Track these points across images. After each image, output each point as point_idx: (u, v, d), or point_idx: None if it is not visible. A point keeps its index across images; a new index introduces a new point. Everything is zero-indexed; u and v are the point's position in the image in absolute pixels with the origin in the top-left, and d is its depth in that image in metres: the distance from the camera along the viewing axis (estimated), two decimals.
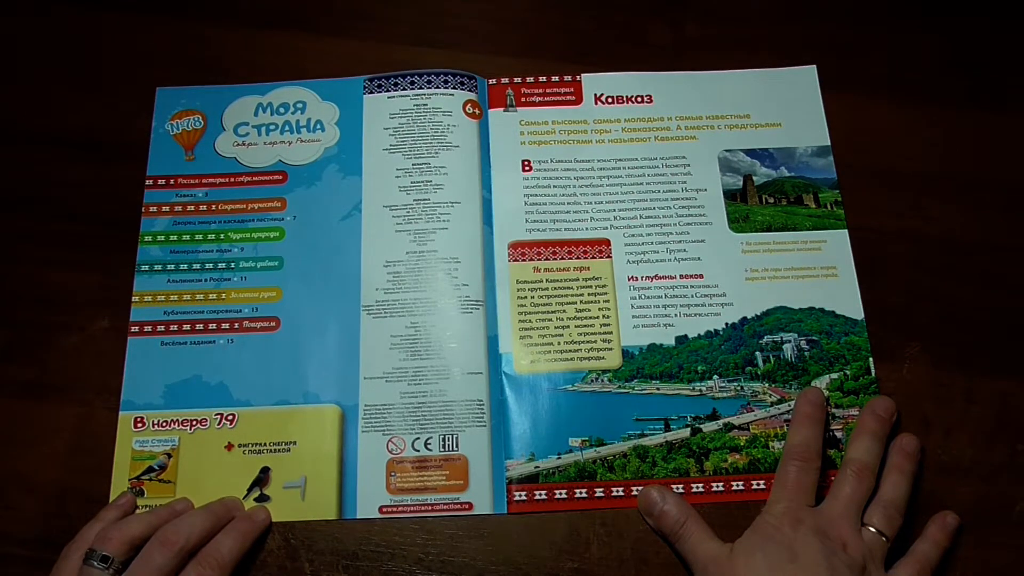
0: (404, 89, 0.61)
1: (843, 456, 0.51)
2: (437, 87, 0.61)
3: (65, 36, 0.63)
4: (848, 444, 0.51)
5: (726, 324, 0.56)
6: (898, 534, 0.47)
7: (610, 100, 0.62)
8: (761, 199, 0.59)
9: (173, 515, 0.49)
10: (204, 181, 0.59)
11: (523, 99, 0.62)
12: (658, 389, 0.54)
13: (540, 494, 0.52)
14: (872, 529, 0.47)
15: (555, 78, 0.62)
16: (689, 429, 0.53)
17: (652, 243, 0.58)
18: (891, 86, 0.62)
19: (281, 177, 0.59)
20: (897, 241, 0.58)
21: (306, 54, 0.63)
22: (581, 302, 0.56)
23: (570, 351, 0.55)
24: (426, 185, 0.59)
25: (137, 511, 0.50)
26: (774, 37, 0.64)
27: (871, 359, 0.55)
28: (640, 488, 0.51)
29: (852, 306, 0.56)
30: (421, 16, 0.65)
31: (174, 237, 0.58)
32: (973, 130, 0.61)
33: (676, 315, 0.56)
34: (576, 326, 0.56)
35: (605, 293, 0.56)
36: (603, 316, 0.56)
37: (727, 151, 0.60)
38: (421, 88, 0.61)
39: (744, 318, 0.56)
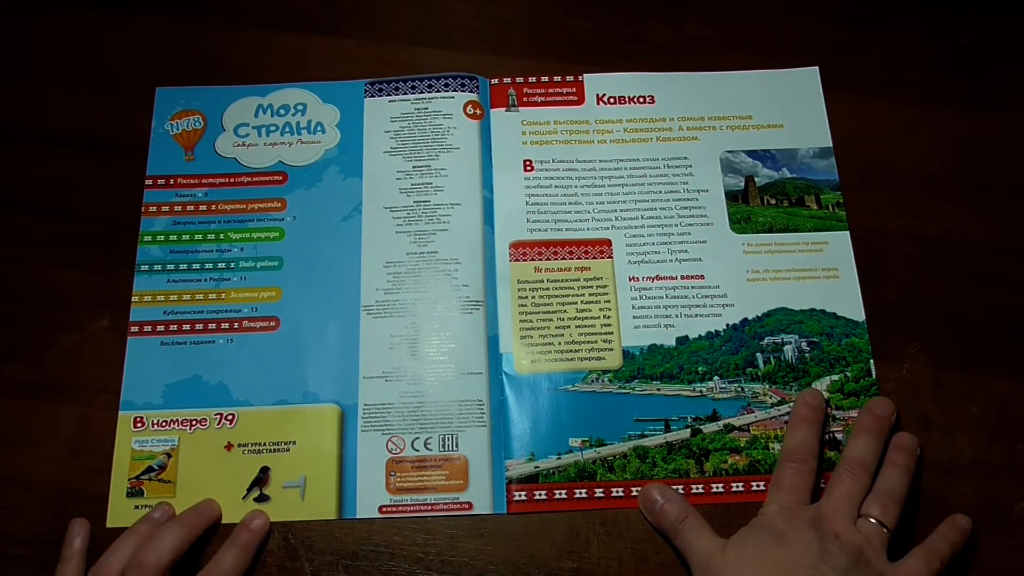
0: (405, 93, 0.61)
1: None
2: (438, 90, 0.61)
3: (65, 36, 0.63)
4: (846, 444, 0.51)
5: (727, 325, 0.56)
6: (900, 531, 0.47)
7: (612, 100, 0.62)
8: (763, 200, 0.59)
9: (153, 525, 0.49)
10: (204, 181, 0.59)
11: (525, 99, 0.62)
12: (658, 390, 0.54)
13: (540, 494, 0.52)
14: (871, 520, 0.47)
15: (557, 78, 0.62)
16: (689, 430, 0.53)
17: (653, 244, 0.58)
18: (892, 87, 0.62)
19: (281, 178, 0.59)
20: (898, 241, 0.58)
21: (306, 54, 0.63)
22: (582, 302, 0.56)
23: (570, 351, 0.55)
24: (426, 187, 0.59)
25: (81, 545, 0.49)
26: (775, 37, 0.64)
27: (871, 361, 0.55)
28: (640, 488, 0.51)
29: (853, 308, 0.56)
30: (422, 16, 0.65)
31: (174, 237, 0.57)
32: (974, 131, 0.61)
33: (677, 316, 0.56)
34: (577, 326, 0.56)
35: (606, 293, 0.56)
36: (604, 316, 0.56)
37: (729, 152, 0.60)
38: (422, 92, 0.61)
39: (745, 319, 0.56)
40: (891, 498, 0.48)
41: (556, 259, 0.57)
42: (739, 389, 0.55)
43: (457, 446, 0.53)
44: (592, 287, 0.57)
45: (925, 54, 0.63)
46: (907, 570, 0.46)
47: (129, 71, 0.62)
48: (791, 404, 0.53)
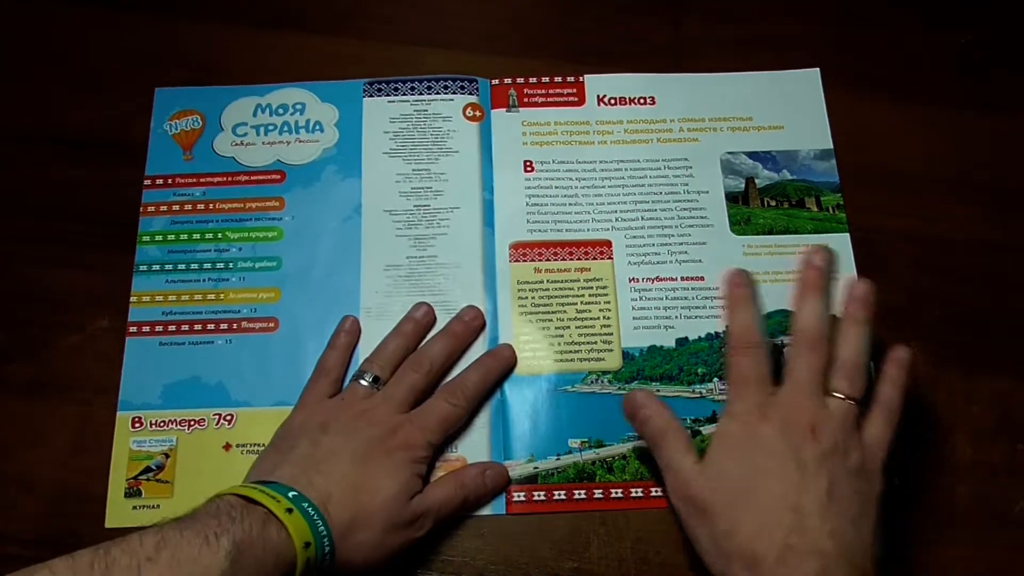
0: (404, 94, 0.61)
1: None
2: (437, 92, 0.61)
3: (64, 36, 0.63)
4: (794, 309, 0.48)
5: (727, 326, 0.56)
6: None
7: (613, 101, 0.62)
8: (763, 202, 0.59)
9: (416, 326, 0.54)
10: (202, 180, 0.59)
11: (525, 100, 0.61)
12: (658, 391, 0.54)
13: (539, 495, 0.52)
14: (839, 396, 0.45)
15: (558, 79, 0.62)
16: (689, 431, 0.53)
17: (653, 245, 0.58)
18: (893, 88, 0.62)
19: (279, 176, 0.59)
20: (898, 242, 0.58)
21: (305, 54, 0.62)
22: (582, 303, 0.56)
23: (570, 352, 0.55)
24: (426, 191, 0.58)
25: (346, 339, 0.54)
26: (776, 38, 0.64)
27: (871, 362, 0.55)
28: (625, 395, 0.50)
29: None
30: (421, 16, 0.64)
31: (172, 237, 0.57)
32: (975, 131, 0.61)
33: (677, 317, 0.56)
34: (576, 327, 0.56)
35: (606, 294, 0.56)
36: (604, 317, 0.56)
37: (729, 153, 0.60)
38: (421, 94, 0.61)
39: None
40: (856, 369, 0.45)
41: (556, 260, 0.57)
42: None
43: (456, 448, 0.52)
44: (592, 288, 0.56)
45: (925, 54, 0.63)
46: (873, 438, 0.45)
47: (128, 71, 0.62)
48: None
